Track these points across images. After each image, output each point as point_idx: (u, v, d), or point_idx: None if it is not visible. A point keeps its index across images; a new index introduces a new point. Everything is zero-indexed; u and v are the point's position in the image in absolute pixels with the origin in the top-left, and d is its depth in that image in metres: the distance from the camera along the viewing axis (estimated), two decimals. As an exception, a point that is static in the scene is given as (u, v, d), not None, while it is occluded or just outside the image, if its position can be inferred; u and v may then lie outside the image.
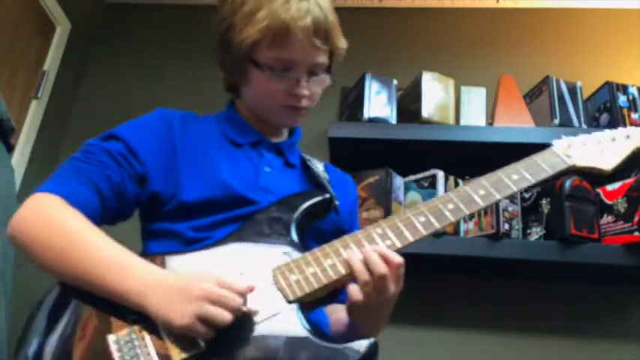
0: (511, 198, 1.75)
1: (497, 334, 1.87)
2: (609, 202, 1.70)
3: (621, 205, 1.66)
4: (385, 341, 2.03)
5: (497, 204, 1.70)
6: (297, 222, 0.92)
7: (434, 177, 1.79)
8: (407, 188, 1.84)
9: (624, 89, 1.87)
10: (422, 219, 0.88)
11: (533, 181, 0.93)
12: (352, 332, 0.92)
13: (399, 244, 0.86)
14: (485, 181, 0.93)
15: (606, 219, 1.70)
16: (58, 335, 0.79)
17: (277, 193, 0.97)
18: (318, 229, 0.98)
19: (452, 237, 1.75)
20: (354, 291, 0.81)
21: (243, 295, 0.77)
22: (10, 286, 1.36)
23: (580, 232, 1.65)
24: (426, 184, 1.81)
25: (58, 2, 2.30)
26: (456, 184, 1.82)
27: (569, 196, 1.67)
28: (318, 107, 2.38)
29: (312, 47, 0.96)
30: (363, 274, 0.81)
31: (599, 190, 1.74)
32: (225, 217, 0.93)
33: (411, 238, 0.86)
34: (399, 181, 1.84)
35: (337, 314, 0.99)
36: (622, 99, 1.85)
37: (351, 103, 1.99)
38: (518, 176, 0.93)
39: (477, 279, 1.91)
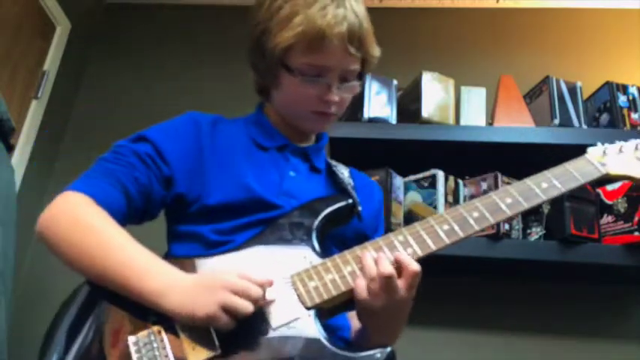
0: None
1: (497, 334, 1.87)
2: (609, 202, 1.70)
3: (621, 205, 1.66)
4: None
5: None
6: (319, 227, 0.92)
7: (434, 177, 1.79)
8: (407, 188, 1.84)
9: (624, 89, 1.86)
10: (445, 227, 0.86)
11: (563, 189, 0.90)
12: (364, 339, 0.92)
13: (420, 253, 0.85)
14: (513, 189, 0.90)
15: (606, 219, 1.70)
16: (84, 334, 0.81)
17: (301, 197, 0.97)
18: (341, 235, 0.97)
19: (452, 237, 1.74)
20: (360, 287, 0.81)
21: (262, 286, 0.79)
22: (10, 286, 1.36)
23: (580, 232, 1.65)
24: (426, 184, 1.81)
25: (58, 2, 2.30)
26: (456, 184, 1.82)
27: (569, 196, 1.67)
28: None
29: (346, 54, 0.96)
30: (370, 269, 0.81)
31: (599, 190, 1.74)
32: (248, 221, 0.94)
33: (433, 247, 0.85)
34: (399, 181, 1.84)
35: (352, 321, 0.99)
36: (622, 99, 1.85)
37: (351, 103, 1.98)
38: (547, 184, 0.90)
39: (477, 279, 1.91)
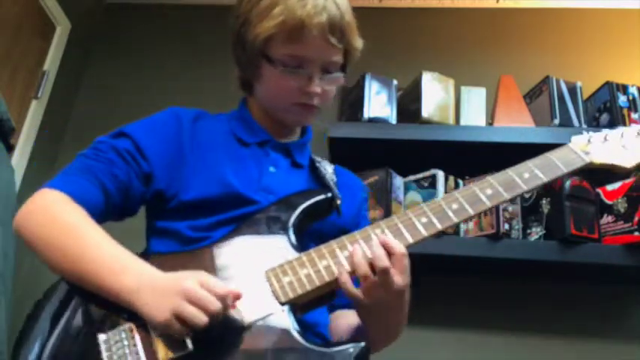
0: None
1: (497, 334, 1.87)
2: (609, 202, 1.70)
3: (621, 205, 1.66)
4: (385, 341, 1.99)
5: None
6: (296, 221, 0.91)
7: (434, 177, 1.79)
8: (407, 188, 1.84)
9: (624, 89, 1.87)
10: (424, 220, 0.84)
11: (545, 179, 0.87)
12: (363, 335, 0.90)
13: None
14: (493, 179, 0.88)
15: (606, 219, 1.70)
16: (57, 333, 0.80)
17: (279, 193, 0.96)
18: (320, 231, 0.96)
19: (452, 237, 1.75)
20: (347, 284, 0.80)
21: (224, 299, 0.76)
22: (10, 286, 1.36)
23: (580, 232, 1.65)
24: (426, 184, 1.81)
25: (58, 2, 2.30)
26: (456, 184, 1.82)
27: (569, 196, 1.67)
28: (318, 107, 2.31)
29: (327, 45, 0.96)
30: (362, 267, 0.79)
31: (599, 190, 1.74)
32: (225, 218, 0.93)
33: (410, 240, 0.83)
34: (399, 181, 1.84)
35: (346, 319, 0.98)
36: (622, 99, 1.85)
37: (351, 103, 1.99)
38: (529, 174, 0.87)
39: (477, 279, 1.91)
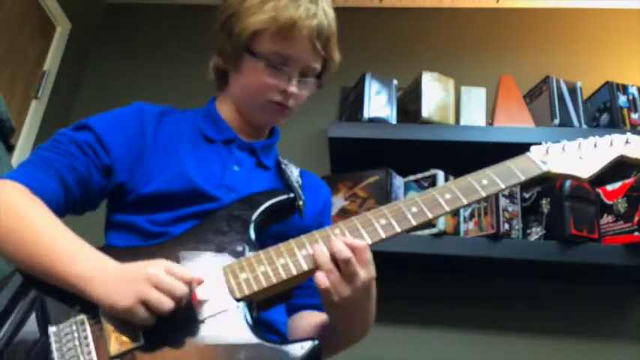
0: (511, 198, 1.75)
1: (497, 334, 1.87)
2: (609, 202, 1.70)
3: (621, 205, 1.66)
4: (385, 341, 2.02)
5: (497, 203, 1.70)
6: (258, 220, 0.91)
7: (434, 177, 1.79)
8: (407, 188, 1.84)
9: (624, 89, 1.87)
10: (383, 222, 0.85)
11: (502, 186, 0.90)
12: (330, 333, 0.90)
13: None
14: (453, 185, 0.90)
15: (606, 219, 1.70)
16: (13, 326, 0.79)
17: (242, 192, 0.96)
18: (283, 233, 0.94)
19: (452, 237, 1.75)
20: (320, 277, 0.79)
21: (189, 284, 0.77)
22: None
23: (580, 232, 1.65)
24: (426, 184, 1.81)
25: (58, 2, 2.30)
26: (456, 184, 1.82)
27: (569, 196, 1.67)
28: (318, 107, 2.38)
29: (312, 48, 0.98)
30: (326, 263, 0.79)
31: (599, 190, 1.74)
32: (185, 213, 0.93)
33: (369, 240, 0.84)
34: (399, 181, 1.84)
35: (308, 319, 0.99)
36: (622, 99, 1.85)
37: (351, 103, 1.99)
38: (488, 181, 0.90)
39: (477, 279, 1.91)
